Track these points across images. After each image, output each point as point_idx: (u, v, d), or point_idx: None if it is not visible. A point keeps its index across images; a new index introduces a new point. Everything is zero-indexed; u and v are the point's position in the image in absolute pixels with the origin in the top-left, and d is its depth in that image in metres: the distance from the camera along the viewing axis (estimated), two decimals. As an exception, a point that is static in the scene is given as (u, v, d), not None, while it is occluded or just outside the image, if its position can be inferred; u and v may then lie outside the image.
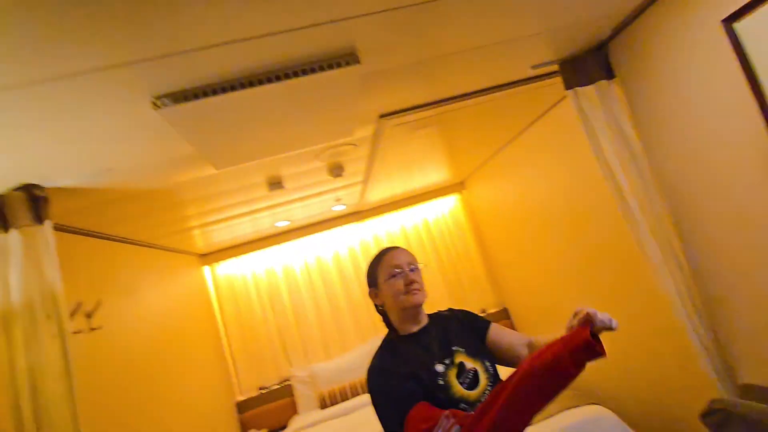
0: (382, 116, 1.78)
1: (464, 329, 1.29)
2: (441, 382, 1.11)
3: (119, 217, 2.07)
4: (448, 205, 4.16)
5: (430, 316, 1.30)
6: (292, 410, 3.49)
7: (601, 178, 1.99)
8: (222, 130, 1.43)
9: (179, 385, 2.50)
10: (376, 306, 1.28)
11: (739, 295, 1.50)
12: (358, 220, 3.98)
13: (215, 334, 3.51)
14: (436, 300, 3.96)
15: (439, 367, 1.14)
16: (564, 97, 2.13)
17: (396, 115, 1.79)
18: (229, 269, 3.78)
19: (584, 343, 0.85)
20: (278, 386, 3.60)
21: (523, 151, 2.83)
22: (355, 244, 3.98)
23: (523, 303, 3.60)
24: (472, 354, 1.21)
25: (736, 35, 1.24)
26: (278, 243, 3.84)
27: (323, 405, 3.26)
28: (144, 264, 2.53)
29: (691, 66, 1.42)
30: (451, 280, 4.02)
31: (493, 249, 3.90)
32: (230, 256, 3.76)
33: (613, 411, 2.04)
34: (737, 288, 1.49)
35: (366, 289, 1.30)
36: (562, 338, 0.92)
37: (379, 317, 1.31)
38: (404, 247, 1.31)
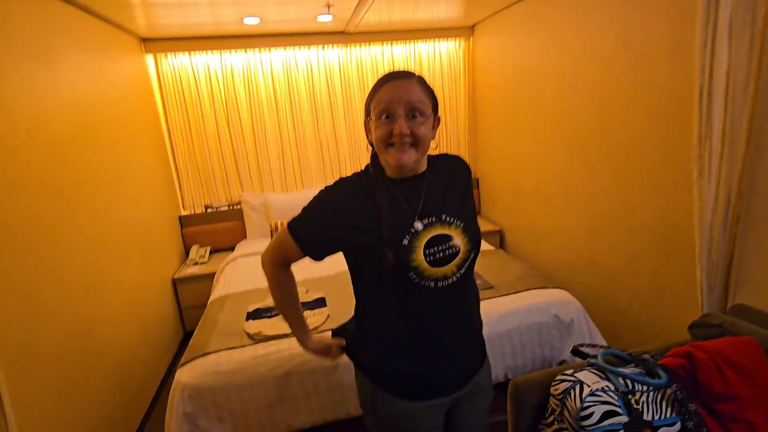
0: None
1: (464, 188, 1.05)
2: (405, 242, 0.90)
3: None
4: (449, 51, 3.56)
5: (432, 158, 1.04)
6: (241, 234, 3.35)
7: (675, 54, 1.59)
8: None
9: (110, 185, 2.13)
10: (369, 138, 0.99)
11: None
12: (343, 42, 3.31)
13: (158, 139, 3.03)
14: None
15: (418, 225, 0.92)
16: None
17: None
18: (178, 65, 3.10)
19: None
20: (226, 208, 3.37)
21: (564, 3, 2.27)
22: (335, 69, 3.38)
23: (496, 178, 3.42)
24: (465, 223, 0.98)
25: None
26: (243, 47, 3.14)
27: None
28: (61, 25, 1.87)
29: None
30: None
31: (483, 112, 3.52)
32: (181, 49, 3.05)
33: (577, 299, 2.04)
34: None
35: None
36: None
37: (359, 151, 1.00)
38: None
